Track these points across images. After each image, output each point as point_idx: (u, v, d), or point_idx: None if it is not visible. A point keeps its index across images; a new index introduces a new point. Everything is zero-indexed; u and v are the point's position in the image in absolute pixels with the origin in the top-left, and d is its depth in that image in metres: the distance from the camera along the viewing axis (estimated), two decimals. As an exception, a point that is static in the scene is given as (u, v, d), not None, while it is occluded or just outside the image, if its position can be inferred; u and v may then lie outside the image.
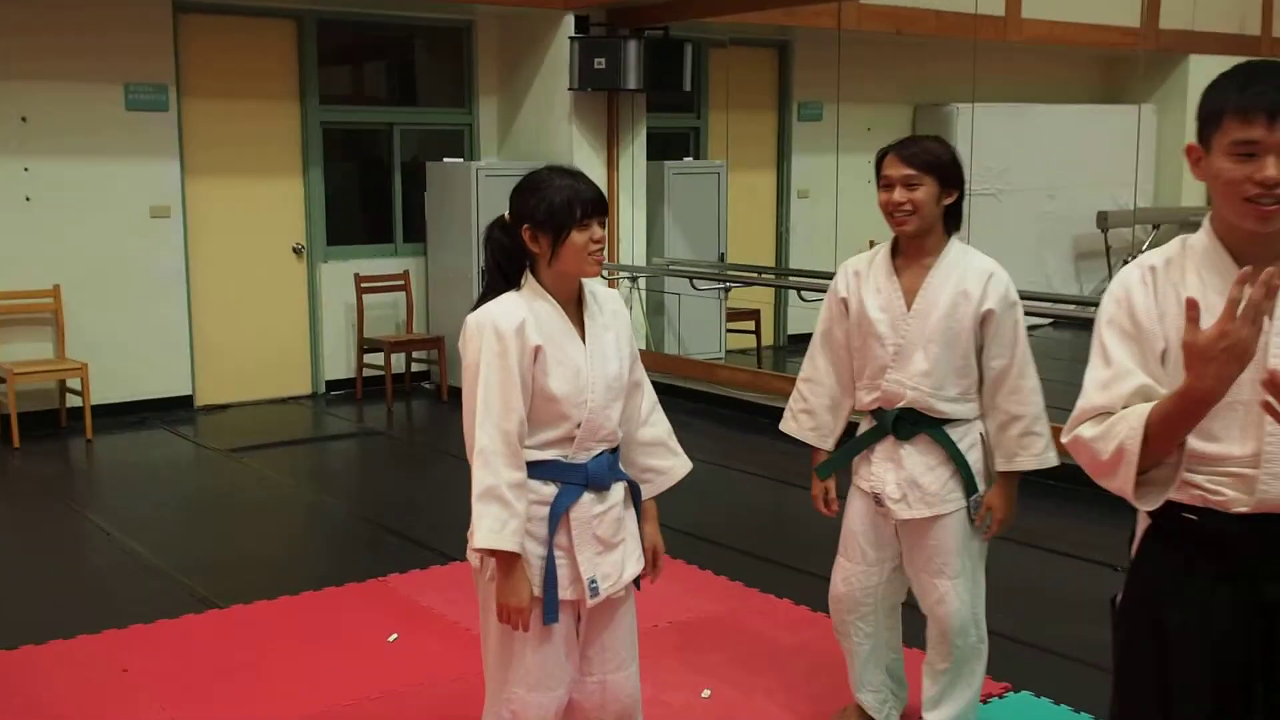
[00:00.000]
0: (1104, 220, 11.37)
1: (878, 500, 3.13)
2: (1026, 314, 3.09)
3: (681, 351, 9.16)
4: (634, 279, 8.92)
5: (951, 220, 3.06)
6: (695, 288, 8.90)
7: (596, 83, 8.34)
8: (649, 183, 9.09)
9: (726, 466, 6.76)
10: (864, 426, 3.19)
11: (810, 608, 4.47)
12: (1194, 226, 2.01)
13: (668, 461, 2.79)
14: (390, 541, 5.48)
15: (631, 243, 8.95)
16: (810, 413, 3.24)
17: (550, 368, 2.50)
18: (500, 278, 2.57)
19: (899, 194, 2.98)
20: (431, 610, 4.46)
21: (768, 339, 9.97)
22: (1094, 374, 1.93)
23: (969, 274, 3.00)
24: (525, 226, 2.52)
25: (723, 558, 5.10)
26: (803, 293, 8.32)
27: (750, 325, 9.62)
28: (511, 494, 2.43)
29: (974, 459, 3.07)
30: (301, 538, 5.86)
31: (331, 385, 8.70)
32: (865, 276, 3.09)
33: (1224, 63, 2.00)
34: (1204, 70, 12.51)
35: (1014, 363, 3.01)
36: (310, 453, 7.50)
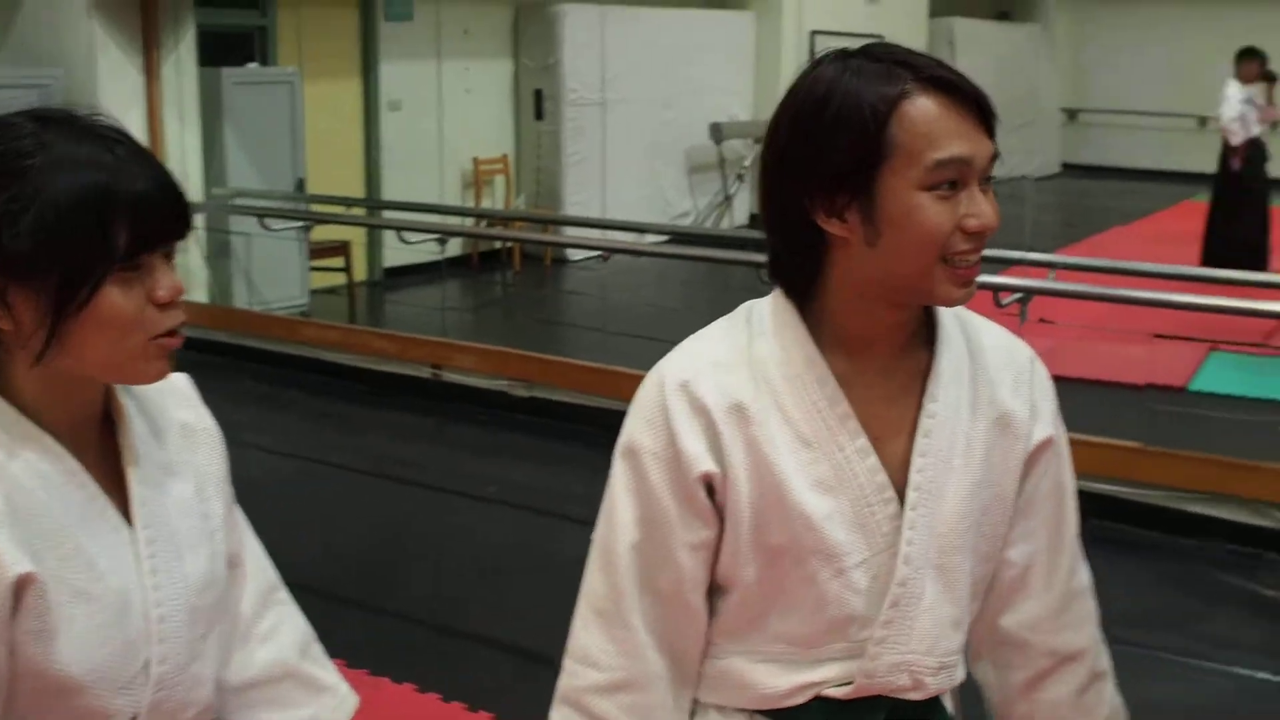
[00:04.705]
0: (717, 132, 10.89)
1: None
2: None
3: (255, 302, 7.67)
4: (190, 216, 7.28)
5: None
6: (267, 227, 7.40)
7: (124, -34, 6.75)
8: (203, 95, 7.55)
9: (322, 461, 5.44)
10: None
11: (441, 694, 3.34)
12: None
13: (300, 710, 1.42)
14: None
15: (184, 171, 7.30)
16: None
17: (62, 619, 1.14)
18: None
19: (987, 207, 1.22)
20: None
21: (360, 274, 8.66)
22: None
23: (993, 368, 1.34)
24: None
25: (326, 613, 3.83)
26: (403, 234, 7.01)
27: (339, 261, 8.24)
28: None
29: None
30: None
31: None
32: (761, 413, 1.26)
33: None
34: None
35: (1065, 544, 1.39)
36: None
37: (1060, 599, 1.37)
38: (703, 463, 1.25)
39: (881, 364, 1.28)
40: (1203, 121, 14.65)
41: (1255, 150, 8.66)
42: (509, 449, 5.63)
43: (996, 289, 5.54)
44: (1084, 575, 1.41)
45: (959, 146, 1.18)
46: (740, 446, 1.25)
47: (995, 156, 1.22)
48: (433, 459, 5.62)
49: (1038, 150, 15.85)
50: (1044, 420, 1.35)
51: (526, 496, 4.98)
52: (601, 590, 1.31)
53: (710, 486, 1.26)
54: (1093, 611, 1.42)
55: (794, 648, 1.30)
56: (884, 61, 1.21)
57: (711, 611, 1.31)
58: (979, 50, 14.93)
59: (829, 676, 1.29)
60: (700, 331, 1.33)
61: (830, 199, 1.21)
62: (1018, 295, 5.45)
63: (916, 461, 1.27)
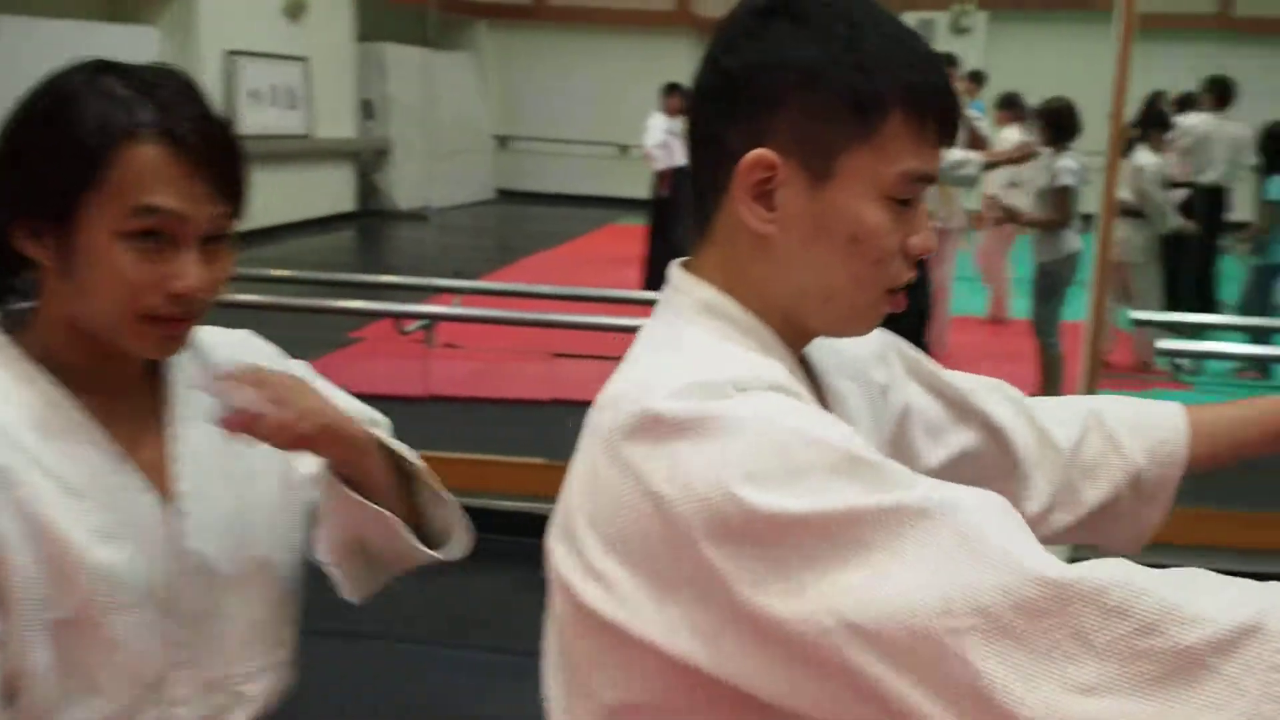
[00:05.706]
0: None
1: None
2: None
3: None
4: None
5: None
6: None
7: None
8: None
9: None
10: None
11: None
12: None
13: None
14: None
15: None
16: None
17: None
18: None
19: (193, 269, 1.15)
20: None
21: None
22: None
23: (225, 361, 1.27)
24: None
25: None
26: None
27: None
28: None
29: None
30: None
31: None
32: (23, 473, 1.11)
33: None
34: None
35: None
36: None
37: None
38: None
39: (116, 387, 1.19)
40: (624, 149, 15.73)
41: (681, 178, 9.50)
42: None
43: (399, 316, 5.57)
44: None
45: (171, 199, 1.09)
46: (10, 515, 1.08)
47: (227, 221, 1.15)
48: None
49: (471, 178, 16.29)
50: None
51: None
52: None
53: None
54: None
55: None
56: (135, 89, 1.11)
57: None
58: (410, 76, 15.05)
59: None
60: None
61: (30, 219, 1.12)
62: (423, 322, 5.51)
63: (177, 470, 1.19)
